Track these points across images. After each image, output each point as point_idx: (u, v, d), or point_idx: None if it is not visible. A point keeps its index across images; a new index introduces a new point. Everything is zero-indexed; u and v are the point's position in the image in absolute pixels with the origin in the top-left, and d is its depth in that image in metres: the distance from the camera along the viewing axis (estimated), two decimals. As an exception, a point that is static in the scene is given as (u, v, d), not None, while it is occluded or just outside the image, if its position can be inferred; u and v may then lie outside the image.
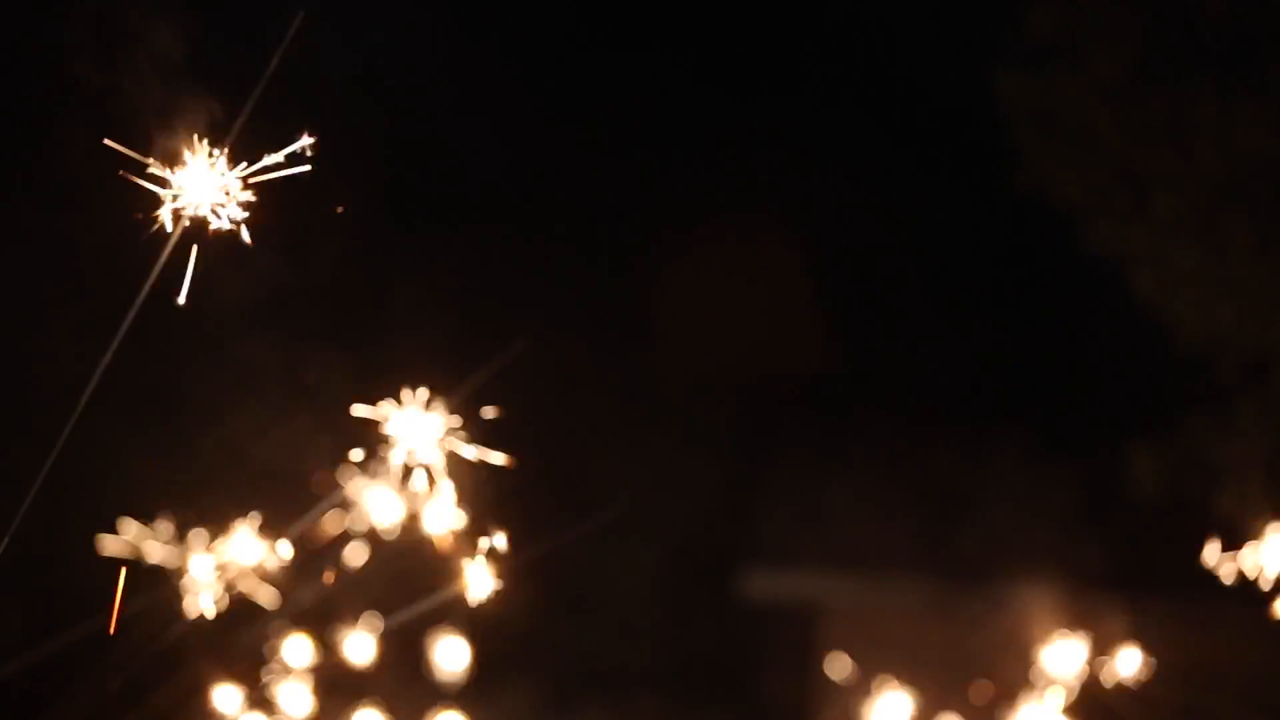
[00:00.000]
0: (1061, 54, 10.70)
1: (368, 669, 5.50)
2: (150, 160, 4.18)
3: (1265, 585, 4.62)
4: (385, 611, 5.09)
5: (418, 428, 4.72)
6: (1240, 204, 10.24)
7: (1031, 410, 11.74)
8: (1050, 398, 11.95)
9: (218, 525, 4.94)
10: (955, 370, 12.46)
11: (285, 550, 5.12)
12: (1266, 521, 4.77)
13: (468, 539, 4.99)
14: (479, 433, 4.81)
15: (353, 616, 5.02)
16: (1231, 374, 10.22)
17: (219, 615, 5.20)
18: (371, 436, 4.68)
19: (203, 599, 5.05)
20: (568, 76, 12.82)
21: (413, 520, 5.02)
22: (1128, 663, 4.86)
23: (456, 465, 4.75)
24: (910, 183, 12.63)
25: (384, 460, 4.77)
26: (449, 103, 11.34)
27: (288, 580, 5.05)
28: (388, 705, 6.19)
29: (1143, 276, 10.50)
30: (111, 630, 4.74)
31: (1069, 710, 5.36)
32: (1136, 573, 10.43)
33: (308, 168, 4.27)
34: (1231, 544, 4.70)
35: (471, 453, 4.71)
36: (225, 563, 5.06)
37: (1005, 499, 11.69)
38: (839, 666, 12.71)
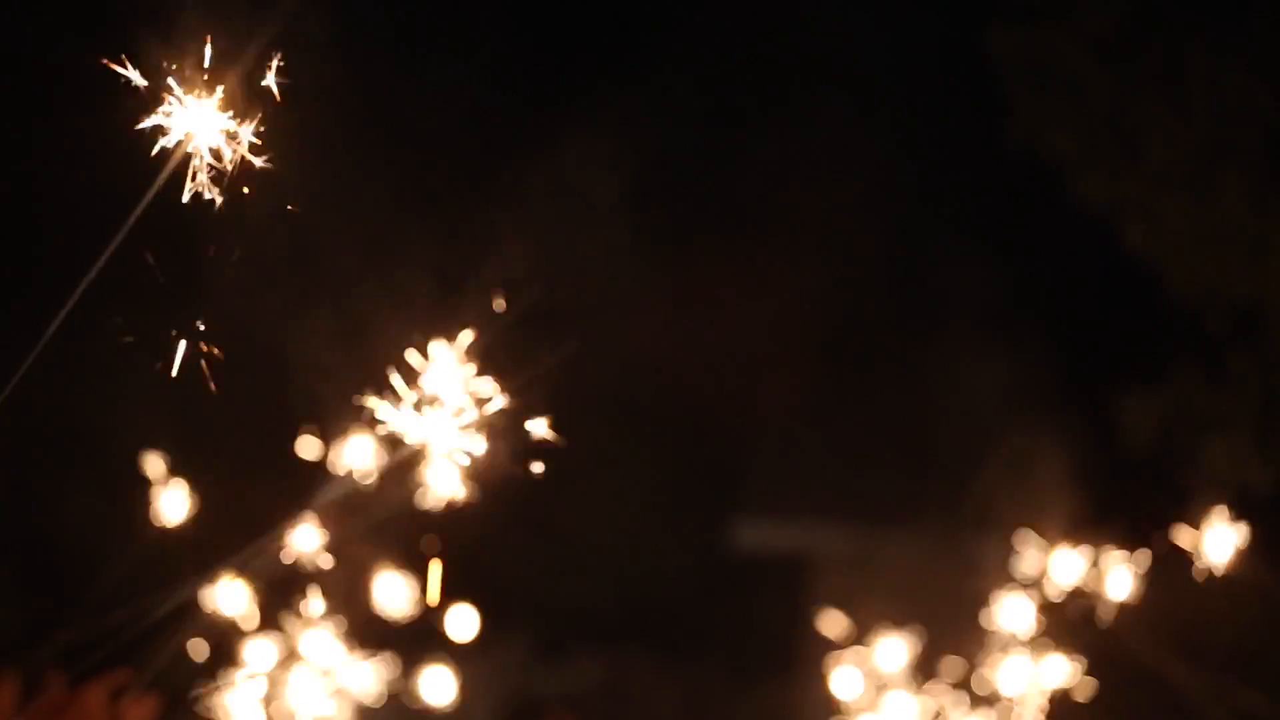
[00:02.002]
0: (1052, 7, 10.74)
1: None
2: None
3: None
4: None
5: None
6: (1231, 156, 10.30)
7: (1023, 362, 11.81)
8: (1041, 349, 12.02)
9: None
10: (945, 322, 12.53)
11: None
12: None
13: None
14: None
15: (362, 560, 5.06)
16: (1222, 325, 10.30)
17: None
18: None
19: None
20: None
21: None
22: (1119, 585, 4.97)
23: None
24: (900, 136, 12.67)
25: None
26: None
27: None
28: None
29: (1133, 229, 10.57)
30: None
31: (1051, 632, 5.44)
32: (1126, 522, 10.51)
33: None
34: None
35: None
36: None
37: (996, 449, 11.78)
38: (829, 617, 12.81)
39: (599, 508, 15.82)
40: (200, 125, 4.14)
